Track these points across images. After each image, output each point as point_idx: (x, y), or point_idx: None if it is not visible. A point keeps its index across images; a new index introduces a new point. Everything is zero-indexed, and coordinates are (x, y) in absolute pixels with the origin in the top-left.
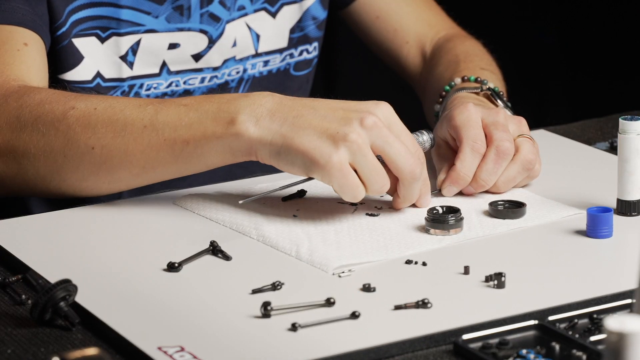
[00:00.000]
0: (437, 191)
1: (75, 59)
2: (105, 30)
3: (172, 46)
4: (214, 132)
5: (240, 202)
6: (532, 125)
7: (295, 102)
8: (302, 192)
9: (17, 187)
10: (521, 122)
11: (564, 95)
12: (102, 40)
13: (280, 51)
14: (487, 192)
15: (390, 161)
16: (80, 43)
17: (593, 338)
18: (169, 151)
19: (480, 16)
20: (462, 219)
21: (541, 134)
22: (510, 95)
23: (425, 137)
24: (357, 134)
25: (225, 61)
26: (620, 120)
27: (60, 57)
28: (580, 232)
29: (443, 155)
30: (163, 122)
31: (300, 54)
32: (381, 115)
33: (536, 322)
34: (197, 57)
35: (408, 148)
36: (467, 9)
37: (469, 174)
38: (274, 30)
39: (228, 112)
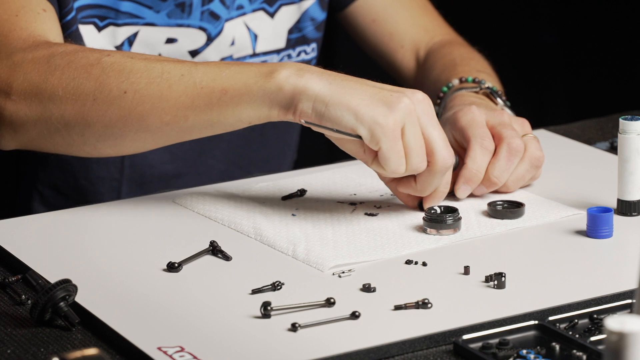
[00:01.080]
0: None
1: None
2: (103, 19)
3: (170, 41)
4: (255, 82)
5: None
6: (532, 125)
7: (339, 74)
8: (302, 192)
9: (38, 133)
10: (524, 123)
11: (564, 95)
12: (99, 29)
13: (277, 51)
14: (496, 191)
15: (429, 142)
16: (82, 30)
17: (593, 338)
18: (205, 99)
19: (481, 16)
20: (459, 218)
21: (541, 134)
22: (510, 95)
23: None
24: (410, 100)
25: (222, 59)
26: (620, 120)
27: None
28: (580, 232)
29: None
30: (202, 72)
31: (298, 54)
32: (423, 97)
33: (536, 322)
34: (193, 53)
35: (445, 139)
36: (467, 9)
37: (481, 171)
38: (272, 30)
39: (272, 66)
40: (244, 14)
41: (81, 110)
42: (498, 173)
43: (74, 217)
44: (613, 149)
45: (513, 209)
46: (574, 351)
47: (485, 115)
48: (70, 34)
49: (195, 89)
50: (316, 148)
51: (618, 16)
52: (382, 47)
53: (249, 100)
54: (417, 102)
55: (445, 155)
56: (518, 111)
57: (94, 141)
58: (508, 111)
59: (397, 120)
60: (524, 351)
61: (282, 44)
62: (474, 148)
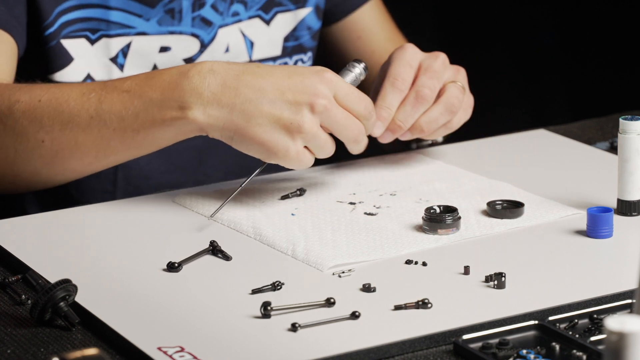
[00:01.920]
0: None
1: (65, 59)
2: (94, 32)
3: (163, 49)
4: (162, 120)
5: (210, 216)
6: (532, 125)
7: (240, 82)
8: (301, 191)
9: None
10: (459, 71)
11: (564, 95)
12: (92, 42)
13: (274, 59)
14: (420, 139)
15: (338, 135)
16: (70, 44)
17: (593, 338)
18: (119, 140)
19: (481, 17)
20: (459, 218)
21: (541, 134)
22: (510, 95)
23: (358, 70)
24: (310, 122)
25: None
26: (620, 120)
27: (49, 57)
28: (580, 232)
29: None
30: (108, 112)
31: (295, 63)
32: (327, 90)
33: (536, 322)
34: (188, 61)
35: (356, 112)
36: (467, 9)
37: (391, 107)
38: (268, 37)
39: (173, 100)
40: (239, 20)
41: (6, 162)
42: (402, 117)
43: (74, 217)
44: (613, 149)
45: (513, 208)
46: (574, 351)
47: (421, 55)
48: (51, 48)
49: (108, 132)
50: None
51: (618, 16)
52: None
53: (162, 135)
54: (319, 114)
55: (355, 136)
56: (518, 111)
57: (25, 185)
58: (446, 58)
59: (299, 147)
60: (524, 351)
61: (277, 51)
62: (385, 86)
